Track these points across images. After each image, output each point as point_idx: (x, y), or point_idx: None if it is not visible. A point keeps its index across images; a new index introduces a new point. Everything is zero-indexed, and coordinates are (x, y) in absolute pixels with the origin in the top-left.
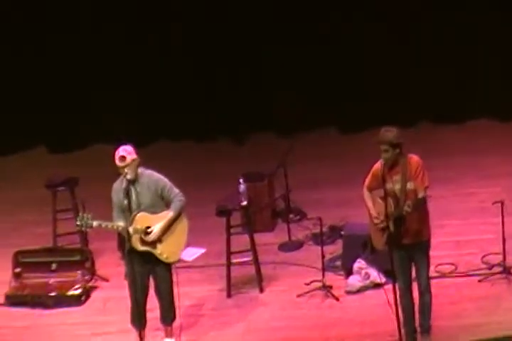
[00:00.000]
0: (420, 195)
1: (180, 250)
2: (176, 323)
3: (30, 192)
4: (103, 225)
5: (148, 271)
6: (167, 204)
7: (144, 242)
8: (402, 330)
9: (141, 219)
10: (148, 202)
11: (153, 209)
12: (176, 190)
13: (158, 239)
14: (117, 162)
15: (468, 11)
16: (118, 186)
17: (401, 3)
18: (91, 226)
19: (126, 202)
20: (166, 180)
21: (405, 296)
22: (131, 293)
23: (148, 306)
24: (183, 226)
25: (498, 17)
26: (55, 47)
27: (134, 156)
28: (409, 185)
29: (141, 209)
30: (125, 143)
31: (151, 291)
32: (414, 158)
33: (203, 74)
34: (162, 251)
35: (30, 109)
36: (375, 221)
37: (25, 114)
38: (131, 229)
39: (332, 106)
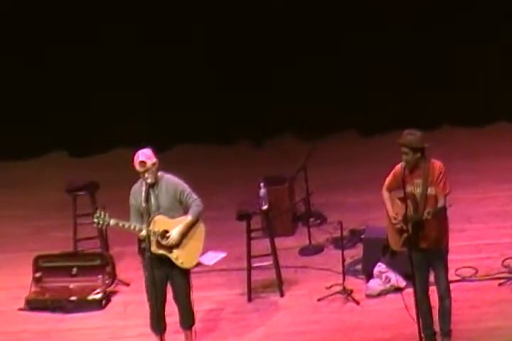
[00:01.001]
0: (440, 203)
1: (197, 256)
2: (196, 327)
3: (50, 196)
4: (120, 224)
5: (166, 275)
6: (185, 209)
7: (160, 246)
8: (423, 334)
9: (159, 222)
10: (166, 205)
11: (172, 213)
12: (195, 196)
13: (175, 244)
14: (137, 167)
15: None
16: (137, 189)
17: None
18: (108, 224)
19: (145, 205)
20: (185, 184)
21: (423, 300)
22: (149, 298)
23: (168, 310)
24: (200, 232)
25: None
26: (77, 51)
27: (154, 160)
28: (430, 191)
29: (159, 212)
30: (144, 147)
31: (170, 296)
32: (437, 164)
33: (222, 78)
34: (178, 256)
35: (51, 113)
36: (393, 221)
37: (46, 117)
38: (145, 232)
39: (352, 109)
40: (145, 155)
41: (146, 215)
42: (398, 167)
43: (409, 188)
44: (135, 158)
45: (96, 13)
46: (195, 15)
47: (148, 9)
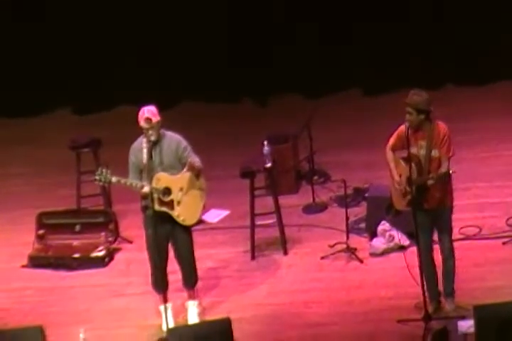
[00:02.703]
0: (444, 167)
1: (198, 213)
2: (199, 285)
3: (54, 153)
4: (122, 181)
5: (168, 233)
6: (184, 167)
7: (162, 203)
8: (426, 293)
9: (161, 179)
10: (168, 162)
11: (173, 170)
12: (195, 156)
13: (177, 201)
14: (143, 123)
15: None
16: (137, 146)
17: None
18: (109, 182)
19: (148, 162)
20: (186, 142)
21: (426, 260)
22: (151, 256)
23: (170, 268)
24: (201, 189)
25: None
26: (79, 12)
27: (158, 118)
28: (434, 153)
29: (161, 169)
30: (148, 104)
31: (171, 254)
32: (441, 126)
33: (225, 35)
34: (179, 213)
35: (55, 70)
36: (397, 186)
37: (49, 74)
38: (148, 189)
39: (357, 68)
40: (150, 112)
41: (148, 172)
42: (402, 127)
43: (413, 149)
44: (140, 114)
45: None
46: None
47: None
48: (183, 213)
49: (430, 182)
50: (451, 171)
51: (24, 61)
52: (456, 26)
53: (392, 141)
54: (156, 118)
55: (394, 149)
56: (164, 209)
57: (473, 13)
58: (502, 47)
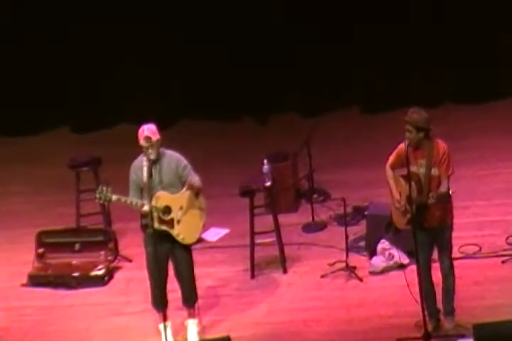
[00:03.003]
0: (443, 186)
1: (198, 232)
2: (199, 303)
3: (53, 172)
4: (122, 200)
5: (167, 251)
6: (184, 185)
7: (162, 221)
8: (426, 312)
9: (161, 198)
10: (168, 181)
11: (173, 188)
12: (195, 174)
13: (177, 220)
14: (142, 142)
15: None
16: (137, 164)
17: None
18: (110, 200)
19: (148, 181)
20: (186, 161)
21: (426, 278)
22: (151, 274)
23: (170, 287)
24: (201, 208)
25: None
26: (79, 28)
27: (158, 136)
28: (434, 171)
29: (161, 188)
30: (148, 123)
31: (171, 272)
32: (441, 144)
33: (228, 55)
34: (179, 232)
35: (54, 89)
36: (397, 204)
37: (48, 94)
38: (147, 207)
39: (355, 86)
40: (150, 131)
41: (148, 191)
42: (402, 145)
43: (412, 168)
44: (140, 132)
45: None
46: None
47: None
48: (182, 232)
49: (431, 200)
50: (450, 191)
51: (23, 79)
52: (456, 43)
53: (391, 159)
54: (155, 136)
55: (393, 167)
56: (164, 227)
57: (474, 19)
58: (502, 65)
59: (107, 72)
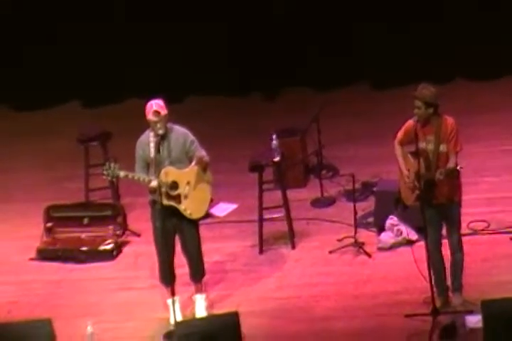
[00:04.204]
0: (451, 162)
1: (205, 207)
2: (207, 279)
3: (62, 146)
4: (130, 176)
5: (175, 227)
6: (190, 160)
7: (169, 197)
8: (435, 288)
9: (168, 173)
10: (176, 156)
11: (180, 164)
12: (202, 149)
13: (184, 195)
14: (151, 117)
15: None
16: (144, 140)
17: None
18: (117, 176)
19: (156, 156)
20: (193, 136)
21: (434, 255)
22: (159, 249)
23: (178, 262)
24: (208, 183)
25: None
26: (89, 6)
27: (166, 111)
28: (442, 148)
29: (168, 163)
30: (156, 98)
31: (178, 247)
32: (449, 120)
33: (233, 30)
34: (186, 207)
35: (64, 63)
36: (406, 179)
37: (59, 67)
38: (155, 183)
39: (365, 61)
40: (158, 106)
41: (155, 166)
42: (410, 122)
43: (421, 144)
44: (148, 107)
45: None
46: None
47: None
48: (190, 207)
49: (438, 176)
50: (458, 167)
51: (34, 54)
52: (467, 18)
53: (400, 135)
54: (164, 111)
55: (402, 144)
56: (171, 203)
57: (483, 9)
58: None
59: (116, 48)
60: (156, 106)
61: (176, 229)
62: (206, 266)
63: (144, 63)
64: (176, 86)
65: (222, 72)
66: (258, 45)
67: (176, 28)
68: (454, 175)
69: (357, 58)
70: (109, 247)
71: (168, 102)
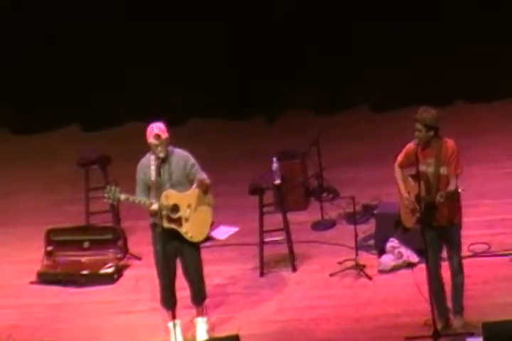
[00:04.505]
0: (452, 185)
1: (206, 230)
2: (208, 302)
3: (63, 170)
4: (130, 199)
5: (176, 249)
6: (191, 183)
7: (170, 220)
8: (435, 310)
9: (169, 196)
10: (177, 179)
11: (181, 187)
12: (202, 172)
13: (185, 218)
14: (152, 140)
15: None
16: (145, 163)
17: None
18: (118, 200)
19: (157, 179)
20: (194, 159)
21: (434, 278)
22: (160, 273)
23: (179, 285)
24: (209, 205)
25: None
26: (87, 27)
27: (167, 134)
28: (442, 170)
29: (169, 186)
30: (157, 121)
31: (180, 271)
32: (450, 143)
33: (235, 53)
34: (187, 230)
35: (65, 86)
36: (406, 202)
37: (59, 91)
38: (156, 206)
39: (365, 84)
40: (159, 129)
41: (156, 189)
42: (410, 144)
43: (421, 167)
44: (149, 130)
45: None
46: None
47: None
48: (191, 230)
49: (439, 199)
50: (459, 189)
51: (34, 77)
52: (468, 41)
53: (400, 158)
54: (164, 134)
55: (402, 167)
56: (173, 226)
57: (483, 32)
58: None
59: (115, 70)
60: (156, 129)
61: (177, 252)
62: (207, 289)
63: (145, 86)
64: (176, 109)
65: (224, 95)
66: (259, 69)
67: (179, 50)
68: (455, 198)
69: (357, 81)
70: (109, 271)
71: (169, 125)
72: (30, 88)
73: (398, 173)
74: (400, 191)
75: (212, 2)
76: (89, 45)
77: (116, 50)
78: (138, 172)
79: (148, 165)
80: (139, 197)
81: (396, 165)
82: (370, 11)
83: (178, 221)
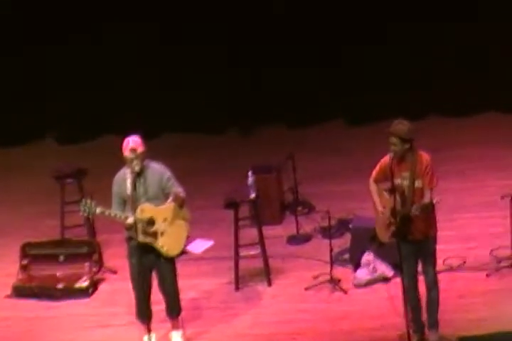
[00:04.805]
0: (426, 198)
1: (181, 244)
2: (183, 315)
3: (38, 183)
4: (106, 213)
5: (151, 263)
6: (167, 197)
7: (146, 234)
8: (411, 324)
9: (145, 210)
10: (153, 192)
11: (156, 201)
12: (179, 186)
13: (161, 232)
14: (128, 153)
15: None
16: (120, 176)
17: None
18: (94, 213)
19: (132, 193)
20: (170, 172)
21: (410, 291)
22: (135, 286)
23: (155, 298)
24: (185, 219)
25: None
26: (72, 39)
27: (143, 148)
28: (418, 183)
29: (145, 200)
30: (133, 134)
31: (155, 284)
32: (425, 156)
33: (211, 67)
34: (163, 244)
35: (39, 100)
36: (381, 217)
37: (34, 104)
38: (132, 220)
39: (340, 98)
40: (135, 143)
41: (132, 203)
42: (385, 159)
43: (396, 181)
44: (124, 144)
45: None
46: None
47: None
48: (166, 244)
49: (414, 211)
50: (434, 200)
51: (8, 90)
52: (443, 54)
53: (375, 173)
54: (140, 148)
55: (377, 181)
56: (148, 239)
57: (461, 32)
58: (487, 78)
59: (92, 84)
60: (132, 143)
61: (153, 266)
62: (182, 302)
63: (120, 99)
64: (151, 123)
65: (199, 109)
66: (233, 83)
67: (153, 63)
68: (429, 210)
69: (331, 94)
70: (84, 284)
71: (145, 138)
72: (5, 101)
73: (373, 188)
74: (375, 206)
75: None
76: (63, 61)
77: (90, 63)
78: (113, 186)
79: (124, 178)
80: (115, 211)
81: (371, 180)
82: (349, 27)
83: (154, 235)
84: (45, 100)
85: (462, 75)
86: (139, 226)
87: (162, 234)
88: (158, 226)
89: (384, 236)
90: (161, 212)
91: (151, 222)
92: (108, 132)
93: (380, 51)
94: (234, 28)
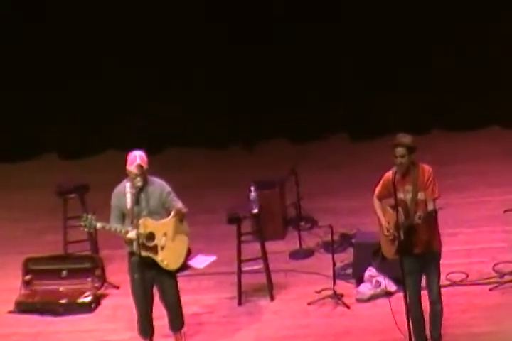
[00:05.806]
0: (430, 207)
1: (182, 258)
2: (186, 330)
3: (41, 198)
4: (107, 227)
5: (152, 278)
6: (167, 212)
7: (146, 248)
8: (413, 339)
9: (145, 225)
10: (154, 207)
11: (157, 215)
12: (178, 200)
13: (161, 246)
14: (134, 169)
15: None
16: (121, 190)
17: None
18: (94, 228)
19: (134, 207)
20: (170, 187)
21: (415, 306)
22: (136, 301)
23: (157, 313)
24: (185, 234)
25: None
26: (73, 55)
27: (147, 165)
28: (420, 195)
29: (145, 214)
30: (137, 149)
31: (157, 299)
32: (426, 168)
33: (213, 81)
34: (163, 258)
35: (42, 116)
36: (385, 232)
37: (36, 120)
38: (133, 234)
39: (343, 113)
40: (142, 159)
41: (133, 218)
42: (388, 174)
43: (399, 195)
44: (131, 159)
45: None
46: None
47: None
48: (166, 258)
49: (417, 220)
50: (437, 207)
51: (10, 106)
52: (444, 70)
53: (378, 190)
54: (146, 165)
55: (381, 197)
56: (148, 254)
57: (463, 55)
58: (489, 93)
59: (94, 99)
60: (139, 159)
61: (155, 280)
62: (185, 318)
63: (123, 115)
64: (154, 137)
65: (202, 124)
66: (237, 98)
67: (157, 79)
68: (432, 221)
69: (335, 109)
70: (87, 300)
71: (147, 153)
72: (6, 117)
73: (377, 204)
74: (379, 222)
75: None
76: (70, 70)
77: (93, 76)
78: (113, 199)
79: (124, 192)
80: (115, 225)
81: (375, 197)
82: (344, 42)
83: (154, 249)
84: (46, 115)
85: (465, 90)
86: (140, 240)
87: (162, 248)
88: (159, 240)
89: (389, 252)
90: (162, 227)
91: (151, 236)
92: (110, 147)
93: (384, 66)
94: (235, 38)
